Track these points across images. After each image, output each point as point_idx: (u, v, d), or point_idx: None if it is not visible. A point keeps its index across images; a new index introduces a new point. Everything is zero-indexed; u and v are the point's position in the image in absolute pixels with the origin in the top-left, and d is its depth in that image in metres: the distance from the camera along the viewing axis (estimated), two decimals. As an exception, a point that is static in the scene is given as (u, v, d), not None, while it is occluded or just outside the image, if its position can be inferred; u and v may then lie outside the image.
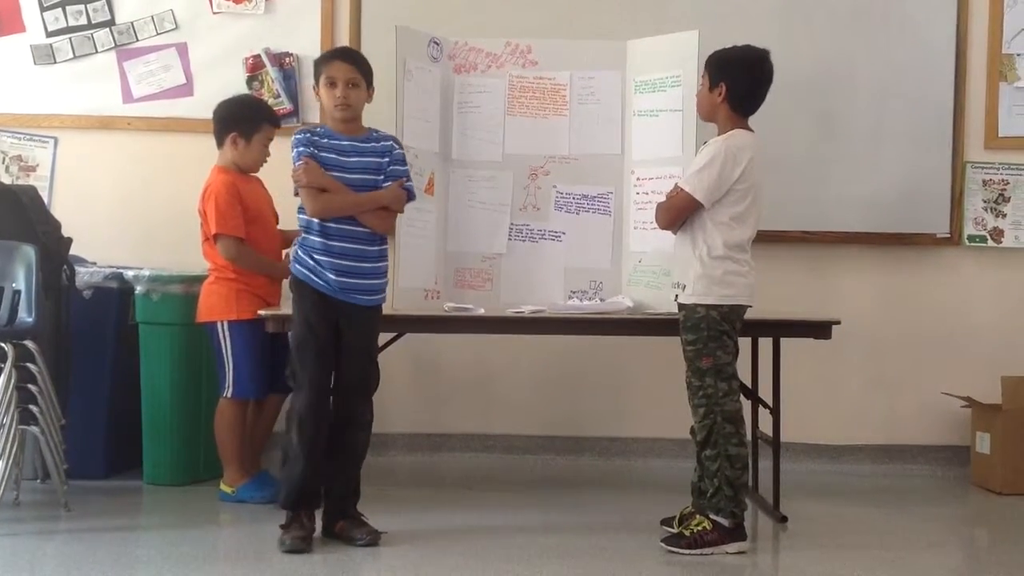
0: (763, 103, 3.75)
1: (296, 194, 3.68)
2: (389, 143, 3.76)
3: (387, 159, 3.72)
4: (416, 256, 4.30)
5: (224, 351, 4.16)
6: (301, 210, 3.68)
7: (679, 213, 3.70)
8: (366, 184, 3.68)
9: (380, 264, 3.72)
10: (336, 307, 3.64)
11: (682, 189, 3.68)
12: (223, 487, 4.21)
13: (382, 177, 3.70)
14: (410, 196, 3.78)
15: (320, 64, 3.77)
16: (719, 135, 3.74)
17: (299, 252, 3.68)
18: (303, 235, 3.68)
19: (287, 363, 3.75)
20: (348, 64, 3.72)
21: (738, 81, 3.69)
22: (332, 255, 3.62)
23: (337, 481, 3.69)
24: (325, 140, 3.69)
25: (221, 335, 4.16)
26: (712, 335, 3.65)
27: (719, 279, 3.65)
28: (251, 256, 4.18)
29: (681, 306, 3.72)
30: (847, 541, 3.85)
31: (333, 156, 3.67)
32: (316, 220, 3.64)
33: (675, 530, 3.73)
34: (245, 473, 4.20)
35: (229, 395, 4.18)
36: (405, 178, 3.74)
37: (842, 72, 4.95)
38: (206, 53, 5.03)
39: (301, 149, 3.65)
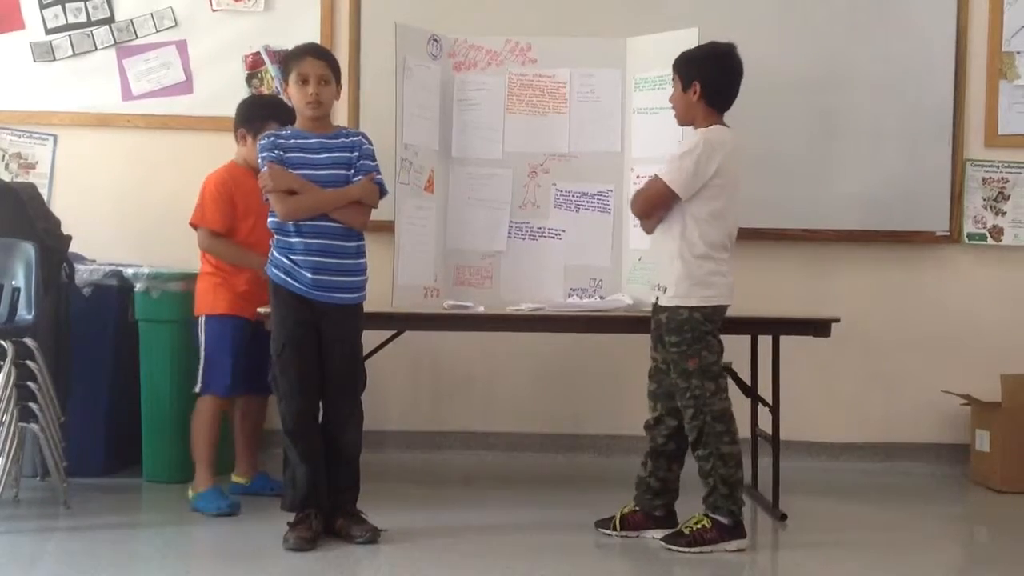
0: (737, 98, 3.74)
1: (266, 200, 3.66)
2: (358, 138, 3.74)
3: (356, 154, 3.69)
4: (415, 254, 4.30)
5: (200, 345, 4.13)
6: (273, 213, 3.66)
7: (654, 201, 3.68)
8: (337, 180, 3.65)
9: (359, 261, 3.70)
10: (315, 308, 3.62)
11: (659, 178, 3.67)
12: (189, 490, 4.09)
13: (352, 172, 3.68)
14: (382, 191, 3.74)
15: (290, 61, 3.73)
16: None
17: (275, 253, 3.66)
18: (276, 237, 3.66)
19: (270, 366, 3.73)
20: (320, 61, 3.70)
21: (711, 77, 3.68)
22: (309, 253, 3.60)
23: (334, 480, 3.68)
24: (292, 141, 3.67)
25: (200, 329, 4.14)
26: (696, 336, 3.65)
27: (700, 279, 3.65)
28: (227, 247, 4.15)
29: (663, 308, 3.72)
30: (846, 539, 3.85)
31: (300, 155, 3.65)
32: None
33: (614, 532, 3.76)
34: (212, 479, 4.07)
35: (197, 390, 4.11)
36: (375, 172, 3.71)
37: (841, 70, 4.95)
38: (206, 50, 5.02)
39: (265, 155, 3.63)
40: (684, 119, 3.79)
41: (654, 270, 3.83)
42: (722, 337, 4.21)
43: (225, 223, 4.15)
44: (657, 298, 3.74)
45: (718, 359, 3.69)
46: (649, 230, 3.82)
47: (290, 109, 4.32)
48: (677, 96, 3.75)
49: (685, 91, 3.70)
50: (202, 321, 4.15)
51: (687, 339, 3.65)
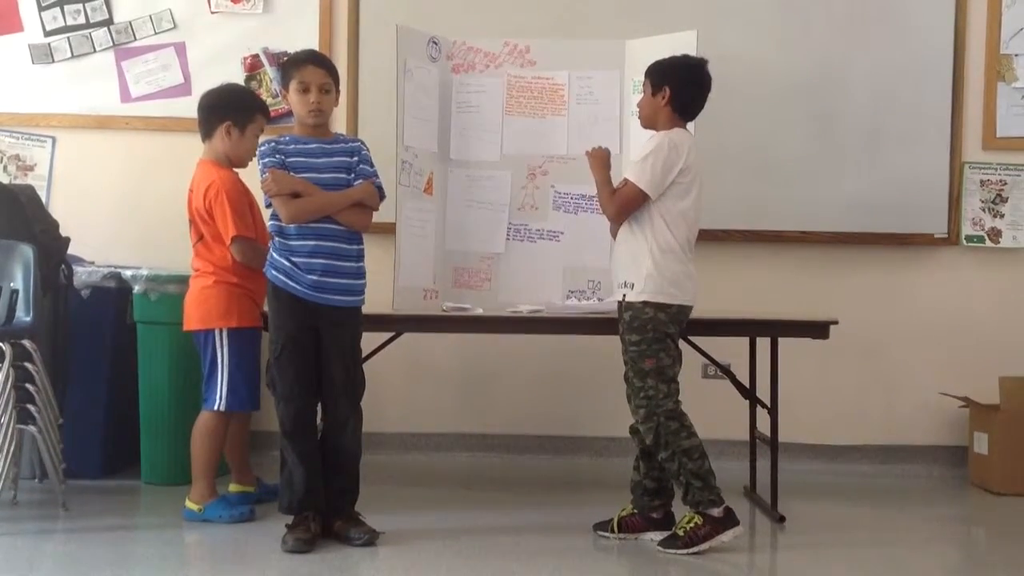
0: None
1: (268, 205, 3.67)
2: (357, 144, 3.77)
3: (356, 159, 3.72)
4: (414, 256, 4.30)
5: (220, 360, 3.90)
6: (274, 216, 3.65)
7: (629, 204, 3.71)
8: (339, 183, 3.67)
9: (359, 264, 3.71)
10: (314, 310, 3.62)
11: (629, 180, 3.69)
12: (189, 504, 3.93)
13: (353, 176, 3.69)
14: (381, 195, 3.76)
15: (291, 68, 3.73)
16: None
17: (274, 255, 3.66)
18: (276, 239, 3.66)
19: (267, 369, 3.72)
20: (322, 69, 3.71)
21: (681, 85, 3.76)
22: (311, 256, 3.61)
23: (333, 482, 3.68)
24: (292, 146, 3.68)
25: (218, 343, 3.90)
26: (657, 336, 3.66)
27: (670, 278, 3.67)
28: (262, 254, 3.86)
29: (628, 305, 3.72)
30: (845, 541, 3.85)
31: (301, 160, 3.66)
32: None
33: (612, 535, 3.76)
34: (215, 491, 3.98)
35: (221, 408, 3.88)
36: (375, 177, 3.73)
37: (840, 72, 4.95)
38: (204, 53, 5.03)
39: (267, 160, 3.65)
40: (648, 122, 3.85)
41: (619, 269, 3.83)
42: (721, 339, 4.26)
43: (254, 229, 3.97)
44: (624, 296, 3.74)
45: (674, 363, 3.70)
46: (615, 233, 3.83)
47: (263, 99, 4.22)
48: (646, 100, 3.83)
49: (654, 95, 3.78)
50: (222, 335, 3.89)
51: (648, 338, 3.66)
